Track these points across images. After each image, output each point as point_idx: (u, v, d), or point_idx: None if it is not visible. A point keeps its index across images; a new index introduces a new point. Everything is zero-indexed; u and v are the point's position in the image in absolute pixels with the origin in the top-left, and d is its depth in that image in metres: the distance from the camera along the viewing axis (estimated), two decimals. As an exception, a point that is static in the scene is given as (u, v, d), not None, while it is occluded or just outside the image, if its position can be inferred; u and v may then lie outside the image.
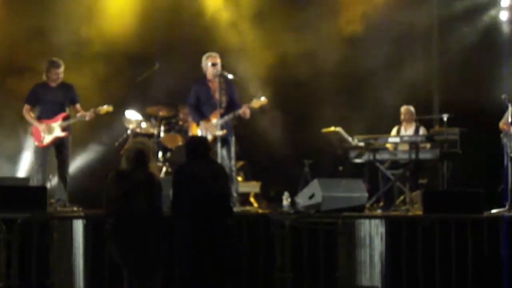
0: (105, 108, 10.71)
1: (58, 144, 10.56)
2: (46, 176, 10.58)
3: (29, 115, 10.63)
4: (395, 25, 13.00)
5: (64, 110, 10.61)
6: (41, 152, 10.55)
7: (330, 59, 12.73)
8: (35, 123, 10.57)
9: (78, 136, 12.21)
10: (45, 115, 10.58)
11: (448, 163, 11.39)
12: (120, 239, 7.47)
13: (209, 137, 9.85)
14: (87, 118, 10.60)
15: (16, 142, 11.47)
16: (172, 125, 12.29)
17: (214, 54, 10.39)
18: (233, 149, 10.28)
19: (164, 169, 11.86)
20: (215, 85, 10.24)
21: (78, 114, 10.61)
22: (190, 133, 10.46)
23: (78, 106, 10.72)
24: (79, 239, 8.39)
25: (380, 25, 13.07)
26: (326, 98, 12.92)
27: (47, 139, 10.49)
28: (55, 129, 10.50)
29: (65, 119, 10.56)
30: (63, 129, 10.53)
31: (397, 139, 11.53)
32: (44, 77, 10.61)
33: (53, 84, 10.60)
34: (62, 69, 10.60)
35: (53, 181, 11.17)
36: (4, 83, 11.79)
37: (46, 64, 10.61)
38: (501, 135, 10.21)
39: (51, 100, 10.58)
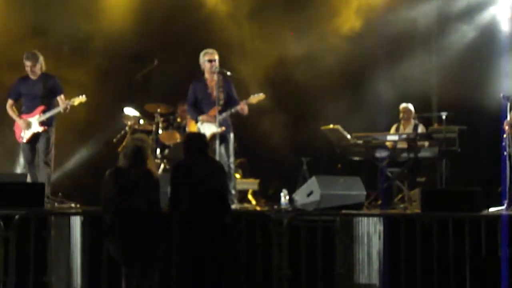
0: (79, 99, 10.43)
1: (39, 139, 10.32)
2: (33, 173, 10.31)
3: (12, 110, 10.45)
4: (394, 23, 12.99)
5: (43, 103, 10.34)
6: (25, 149, 10.39)
7: (329, 57, 12.74)
8: (16, 118, 10.39)
9: (76, 132, 12.23)
10: (25, 110, 10.40)
11: (447, 161, 11.39)
12: (118, 236, 7.47)
13: (208, 134, 9.83)
14: (61, 110, 10.35)
15: (14, 138, 11.42)
16: (170, 122, 12.27)
17: (211, 50, 10.37)
18: (231, 146, 10.28)
19: (162, 166, 11.84)
20: (213, 82, 10.24)
21: (58, 106, 10.35)
22: (188, 130, 10.45)
23: (61, 97, 10.42)
24: (76, 235, 8.38)
25: (379, 23, 13.06)
26: (325, 95, 12.92)
27: (27, 134, 10.31)
28: (33, 124, 10.29)
29: (43, 112, 10.31)
30: (41, 123, 10.28)
31: (396, 137, 11.53)
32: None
33: (33, 77, 10.37)
34: (31, 62, 10.28)
35: (52, 177, 11.14)
36: (3, 80, 11.75)
37: (24, 56, 10.37)
38: (504, 135, 10.20)
39: (30, 94, 10.35)
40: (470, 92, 12.43)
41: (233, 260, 8.18)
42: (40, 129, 10.29)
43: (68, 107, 10.36)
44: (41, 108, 10.32)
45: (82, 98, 10.47)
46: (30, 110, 10.35)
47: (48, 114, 10.32)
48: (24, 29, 12.11)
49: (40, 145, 10.31)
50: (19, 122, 10.33)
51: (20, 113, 10.46)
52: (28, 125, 10.28)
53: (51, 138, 10.39)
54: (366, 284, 8.70)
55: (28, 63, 10.31)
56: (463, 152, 11.33)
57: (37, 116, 10.29)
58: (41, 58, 10.38)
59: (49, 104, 10.40)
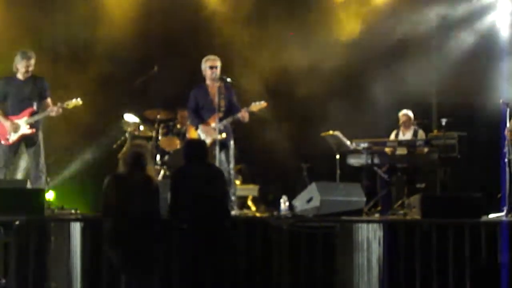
0: (74, 102, 10.09)
1: (26, 142, 10.02)
2: (11, 177, 10.07)
3: None
4: (394, 29, 13.01)
5: (31, 105, 10.03)
6: (6, 151, 9.99)
7: (329, 63, 12.73)
8: (2, 119, 9.98)
9: (76, 138, 12.23)
10: (12, 111, 10.03)
11: (446, 167, 11.39)
12: (118, 242, 7.47)
13: (208, 141, 9.84)
14: (53, 114, 10.04)
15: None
16: (170, 128, 12.27)
17: (212, 57, 10.35)
18: (231, 152, 10.27)
19: (162, 172, 11.83)
20: (213, 89, 10.23)
21: (48, 109, 10.06)
22: (188, 137, 10.45)
23: (48, 101, 10.12)
24: (76, 241, 8.38)
25: (379, 30, 13.08)
26: (325, 101, 12.91)
27: (13, 137, 9.95)
28: (21, 126, 9.95)
29: (32, 115, 10.01)
30: (30, 126, 9.97)
31: (395, 143, 11.54)
32: (14, 69, 10.10)
33: (21, 78, 10.05)
34: (29, 61, 9.97)
35: (51, 183, 11.14)
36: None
37: (17, 55, 10.06)
38: (506, 142, 10.21)
39: (18, 95, 10.01)
40: (470, 98, 12.44)
41: (233, 266, 8.18)
42: (28, 131, 9.98)
43: (60, 110, 10.05)
44: (30, 110, 10.04)
45: (77, 101, 10.16)
46: (17, 112, 10.03)
47: (37, 117, 10.05)
48: (24, 34, 12.05)
49: (31, 152, 10.03)
50: (6, 124, 9.96)
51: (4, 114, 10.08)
52: (16, 128, 9.96)
53: (42, 144, 10.11)
54: (366, 290, 8.70)
55: (26, 63, 10.01)
56: (462, 158, 11.34)
57: (25, 118, 9.99)
58: (34, 58, 10.14)
59: (37, 106, 10.10)
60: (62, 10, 12.40)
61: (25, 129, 9.99)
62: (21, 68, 10.06)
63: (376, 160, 11.41)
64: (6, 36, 12.02)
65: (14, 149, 10.05)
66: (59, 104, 10.07)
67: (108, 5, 12.90)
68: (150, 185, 7.58)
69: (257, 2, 13.13)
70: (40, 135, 10.12)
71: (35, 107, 10.09)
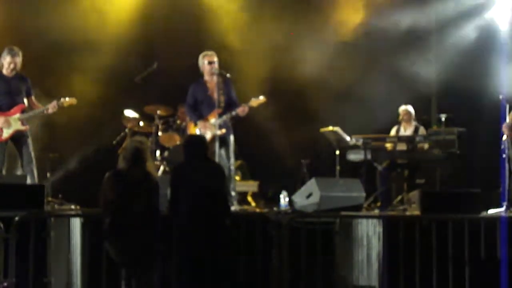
0: (68, 100, 10.05)
1: (18, 138, 9.97)
2: (9, 173, 10.04)
3: None
4: (394, 25, 13.01)
5: (22, 102, 9.95)
6: None
7: (329, 59, 12.74)
8: None
9: (76, 134, 12.23)
10: (1, 106, 9.93)
11: (446, 163, 11.40)
12: (118, 238, 7.48)
13: (208, 136, 9.84)
14: (50, 111, 9.99)
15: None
16: (170, 124, 12.28)
17: (210, 52, 10.37)
18: (231, 148, 10.28)
19: (161, 168, 11.84)
20: (212, 84, 10.24)
21: (40, 107, 10.02)
22: (188, 132, 10.46)
23: (33, 98, 10.09)
24: (76, 237, 8.39)
25: (379, 26, 13.08)
26: (325, 97, 12.92)
27: (6, 133, 9.89)
28: (15, 123, 9.89)
29: (23, 111, 9.95)
30: (23, 122, 9.93)
31: (395, 139, 11.55)
32: None
33: (8, 74, 9.95)
34: (18, 58, 9.88)
35: (51, 179, 11.15)
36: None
37: (4, 51, 9.94)
38: (504, 138, 10.21)
39: (7, 91, 9.93)
40: (469, 93, 12.45)
41: (232, 262, 8.18)
42: (22, 127, 9.92)
43: (56, 107, 9.99)
44: (22, 106, 9.98)
45: (72, 100, 10.12)
46: (7, 108, 9.94)
47: (31, 113, 10.04)
48: (22, 31, 12.04)
49: (28, 147, 9.98)
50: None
51: None
52: (9, 123, 9.89)
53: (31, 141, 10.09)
54: (366, 285, 8.71)
55: (12, 59, 9.90)
56: (462, 154, 11.34)
57: (18, 115, 9.93)
58: (21, 56, 10.04)
59: (25, 103, 10.04)
60: (63, 4, 12.39)
61: (19, 126, 9.94)
62: (6, 64, 9.95)
63: (375, 156, 11.41)
64: (5, 35, 12.02)
65: (5, 145, 9.99)
66: (55, 101, 10.01)
67: (109, 0, 12.90)
68: (150, 181, 7.58)
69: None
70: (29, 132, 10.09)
71: (25, 104, 10.04)
